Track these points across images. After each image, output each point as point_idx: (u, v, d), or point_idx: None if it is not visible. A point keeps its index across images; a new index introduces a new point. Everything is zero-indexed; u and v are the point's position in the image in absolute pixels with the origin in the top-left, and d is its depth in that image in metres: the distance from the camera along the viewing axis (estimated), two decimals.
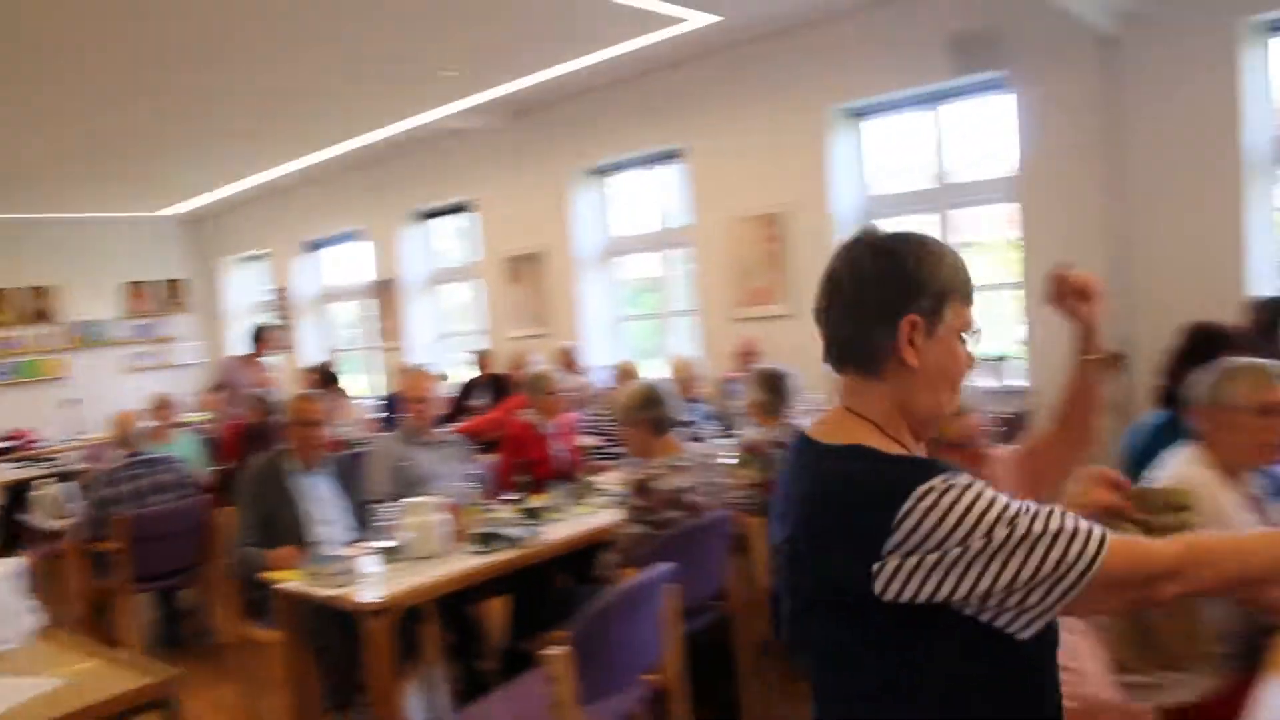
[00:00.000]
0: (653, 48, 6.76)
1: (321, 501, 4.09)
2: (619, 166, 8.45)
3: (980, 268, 6.90)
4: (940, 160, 6.67)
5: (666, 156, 7.94)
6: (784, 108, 6.93)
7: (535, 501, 4.21)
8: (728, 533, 3.65)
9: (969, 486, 1.26)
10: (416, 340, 10.38)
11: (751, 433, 4.28)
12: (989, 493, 1.26)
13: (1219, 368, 2.50)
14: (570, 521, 4.09)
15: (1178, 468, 2.40)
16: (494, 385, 7.70)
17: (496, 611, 4.42)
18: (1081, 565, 1.25)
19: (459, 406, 7.70)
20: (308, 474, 4.10)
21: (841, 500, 1.33)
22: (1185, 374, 2.71)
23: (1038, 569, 1.25)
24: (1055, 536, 1.25)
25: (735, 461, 4.10)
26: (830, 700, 1.45)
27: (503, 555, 3.62)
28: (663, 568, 2.94)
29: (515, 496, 4.23)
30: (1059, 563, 1.25)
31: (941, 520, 1.24)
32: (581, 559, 4.01)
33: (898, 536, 1.25)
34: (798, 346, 6.62)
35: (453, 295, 10.55)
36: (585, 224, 8.60)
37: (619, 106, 7.90)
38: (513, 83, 7.47)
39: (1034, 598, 1.26)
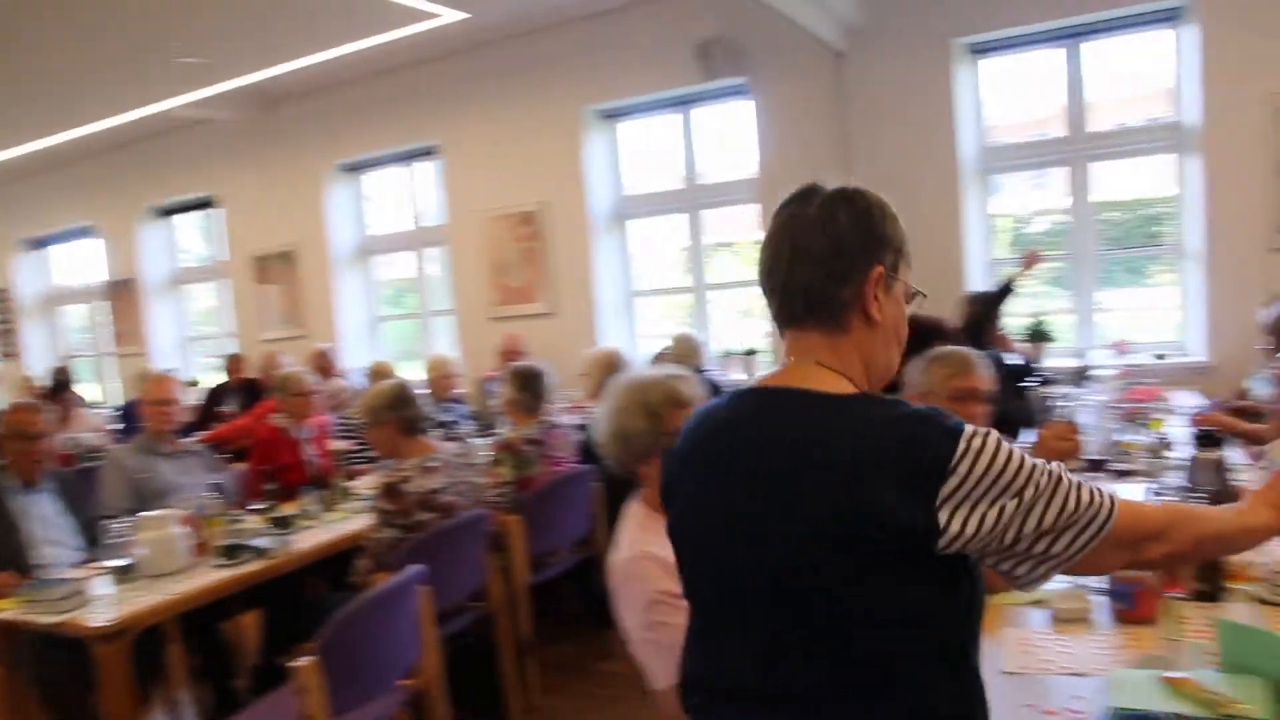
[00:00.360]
0: (406, 43, 6.65)
1: (45, 520, 3.78)
2: (374, 163, 8.26)
3: (730, 267, 7.25)
4: (691, 162, 6.94)
5: (423, 153, 7.85)
6: (539, 107, 7.01)
7: (285, 509, 4.07)
8: (484, 532, 3.67)
9: (996, 435, 1.30)
10: (159, 344, 9.75)
11: (507, 431, 4.31)
12: (1009, 442, 1.32)
13: (927, 356, 2.75)
14: (323, 529, 3.98)
15: None
16: (246, 391, 7.36)
17: (250, 627, 4.25)
18: (1103, 516, 1.31)
19: (207, 414, 7.31)
20: (28, 491, 3.79)
21: (890, 446, 1.27)
22: (904, 363, 2.96)
23: (1071, 514, 1.29)
24: (1079, 487, 1.32)
25: (490, 460, 4.12)
26: (844, 650, 1.32)
27: (250, 567, 3.48)
28: (415, 570, 2.92)
29: (263, 505, 4.08)
30: (1085, 510, 1.30)
31: (991, 464, 1.26)
32: (337, 567, 3.91)
33: (954, 481, 1.25)
34: (557, 344, 6.79)
35: (198, 297, 9.98)
36: (340, 222, 8.36)
37: (373, 101, 7.73)
38: (260, 72, 7.14)
39: (1060, 544, 1.30)
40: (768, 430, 1.38)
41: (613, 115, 7.09)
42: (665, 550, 1.98)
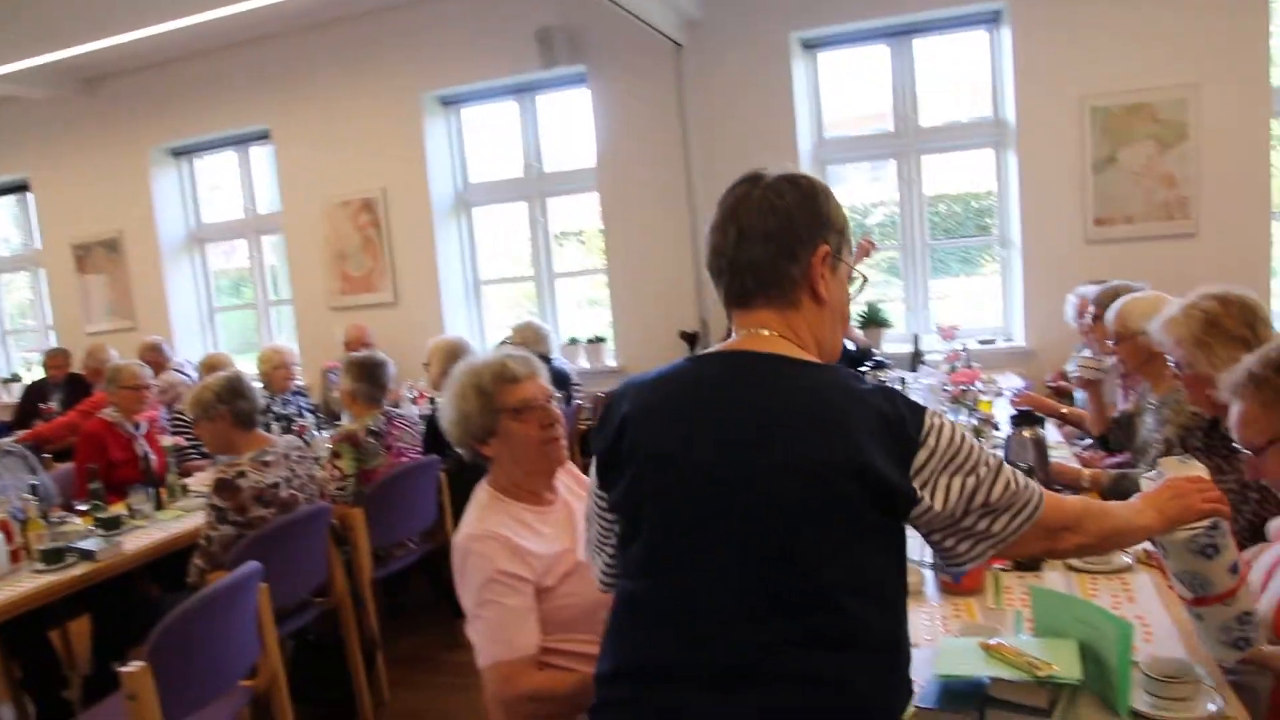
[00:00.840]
0: (236, 20, 6.35)
1: None
2: (205, 147, 7.90)
3: (577, 255, 7.27)
4: (533, 150, 6.92)
5: (257, 137, 7.56)
6: (377, 91, 6.86)
7: (114, 509, 3.88)
8: (325, 526, 3.59)
9: (947, 417, 1.40)
10: None
11: (347, 422, 4.22)
12: None
13: None
14: (155, 528, 3.83)
15: None
16: (69, 387, 6.94)
17: (83, 634, 4.03)
18: (1035, 501, 1.43)
19: (27, 411, 6.88)
20: None
21: (873, 414, 1.33)
22: None
23: (1012, 495, 1.40)
24: (1014, 473, 1.43)
25: (330, 452, 4.03)
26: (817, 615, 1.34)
27: (75, 571, 3.31)
28: (252, 567, 2.84)
29: (89, 505, 3.87)
30: (1022, 493, 1.42)
31: (951, 441, 1.36)
32: (173, 567, 3.75)
33: (924, 454, 1.34)
34: (401, 334, 6.68)
35: (15, 288, 9.35)
36: (168, 208, 7.97)
37: (201, 82, 7.41)
38: (79, 48, 6.69)
39: (1000, 523, 1.41)
40: (748, 390, 1.40)
41: (454, 101, 6.99)
42: (510, 531, 2.00)
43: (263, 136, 7.46)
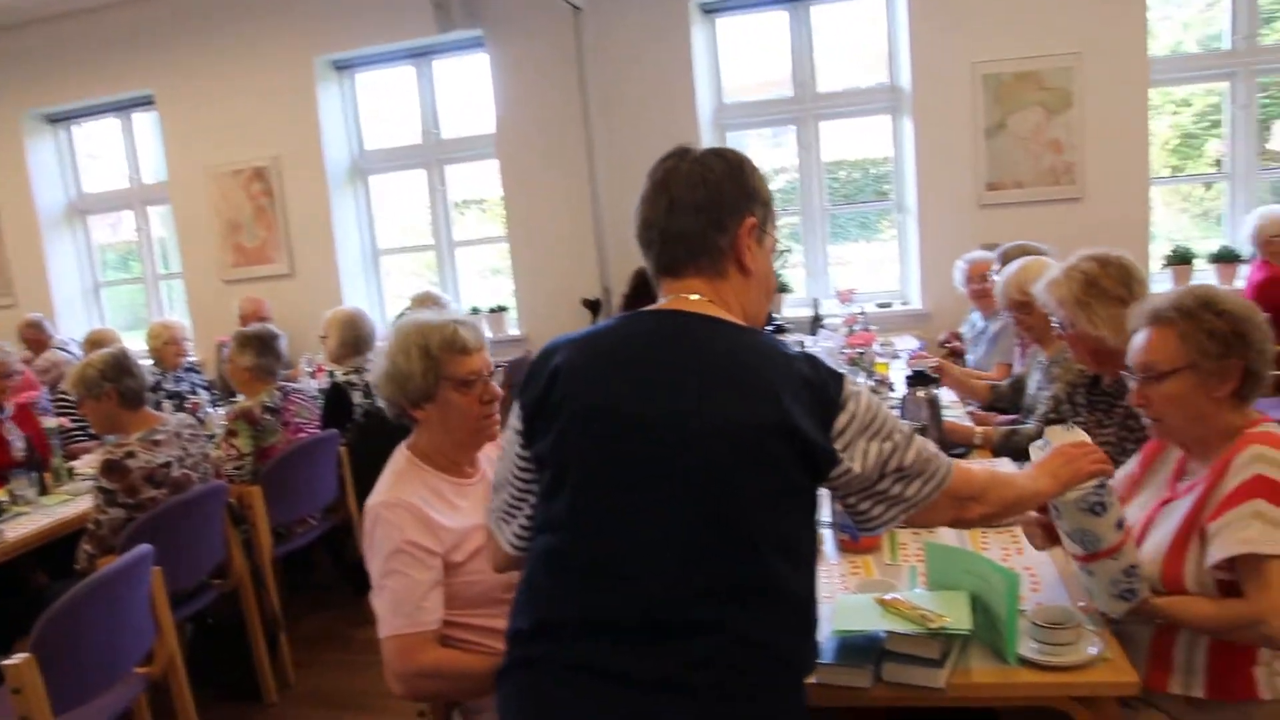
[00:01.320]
0: None
1: None
2: (85, 113, 7.53)
3: (478, 224, 7.18)
4: (430, 116, 6.79)
5: (140, 103, 7.23)
6: (266, 55, 6.63)
7: None
8: (221, 505, 3.49)
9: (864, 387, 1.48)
10: None
11: (242, 399, 4.10)
12: None
13: None
14: (40, 514, 3.68)
15: None
16: None
17: None
18: (944, 468, 1.51)
19: None
20: None
21: (797, 375, 1.39)
22: None
23: (925, 461, 1.47)
24: (925, 441, 1.50)
25: (226, 430, 3.92)
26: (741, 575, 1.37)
27: None
28: (143, 550, 2.75)
29: None
30: (933, 460, 1.49)
31: (868, 406, 1.43)
32: (62, 554, 3.61)
33: (844, 417, 1.40)
34: (298, 306, 6.52)
35: None
36: (45, 178, 7.57)
37: (79, 43, 7.03)
38: None
39: (912, 488, 1.47)
40: (680, 348, 1.44)
41: (347, 66, 6.81)
42: (422, 501, 1.97)
43: (146, 102, 7.14)
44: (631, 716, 1.32)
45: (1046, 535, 1.96)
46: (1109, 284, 2.43)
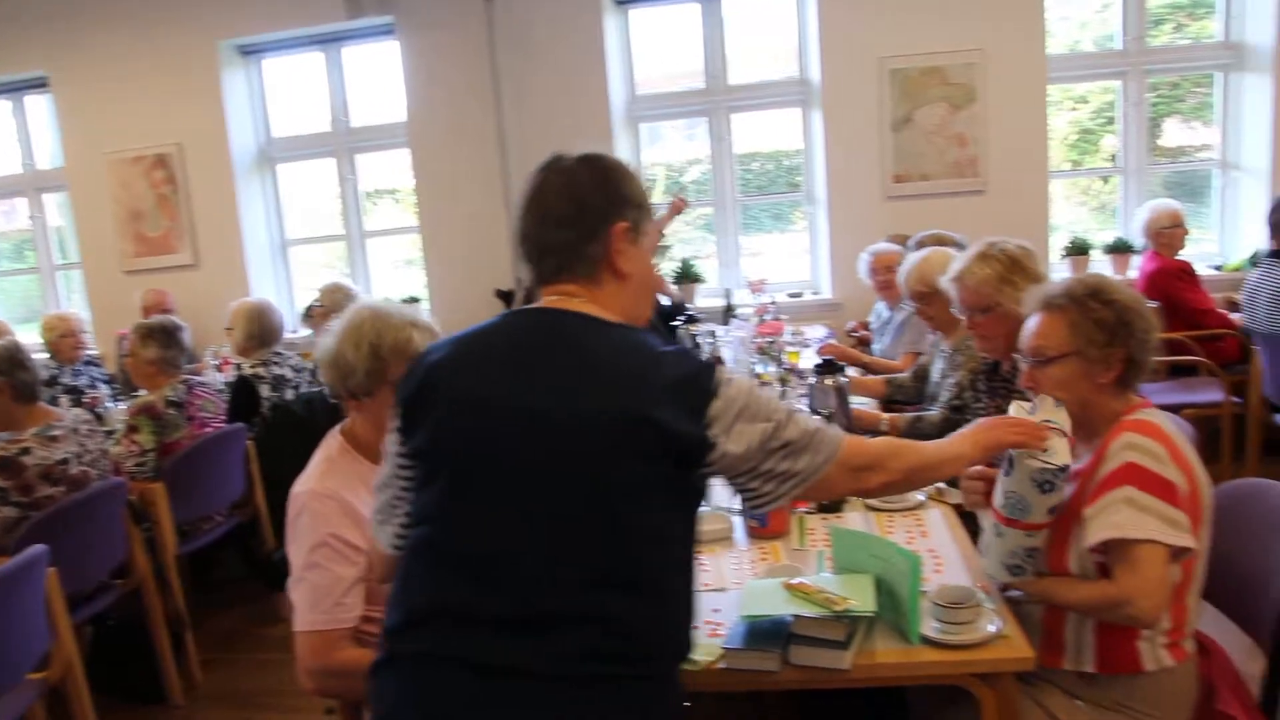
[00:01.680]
0: None
1: None
2: None
3: (390, 214, 7.08)
4: (340, 104, 6.67)
5: (34, 85, 6.93)
6: (168, 38, 6.40)
7: None
8: (122, 503, 3.39)
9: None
10: None
11: (144, 394, 3.98)
12: None
13: None
14: None
15: None
16: None
17: None
18: (833, 440, 1.53)
19: None
20: None
21: (665, 368, 1.42)
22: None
23: (810, 435, 1.49)
24: (813, 418, 1.54)
25: (127, 426, 3.80)
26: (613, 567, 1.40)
27: None
28: (37, 550, 2.65)
29: None
30: (819, 433, 1.51)
31: (743, 391, 1.46)
32: None
33: (719, 403, 1.42)
34: (203, 298, 6.35)
35: None
36: None
37: None
38: None
39: (802, 462, 1.49)
40: (555, 344, 1.48)
41: (254, 51, 6.63)
42: (352, 494, 1.93)
43: (40, 84, 6.85)
44: (503, 708, 1.34)
45: (986, 497, 1.98)
46: (1030, 265, 2.59)
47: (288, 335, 5.51)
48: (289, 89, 6.84)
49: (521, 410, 1.42)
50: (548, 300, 1.55)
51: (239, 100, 6.60)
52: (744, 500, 1.54)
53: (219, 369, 5.40)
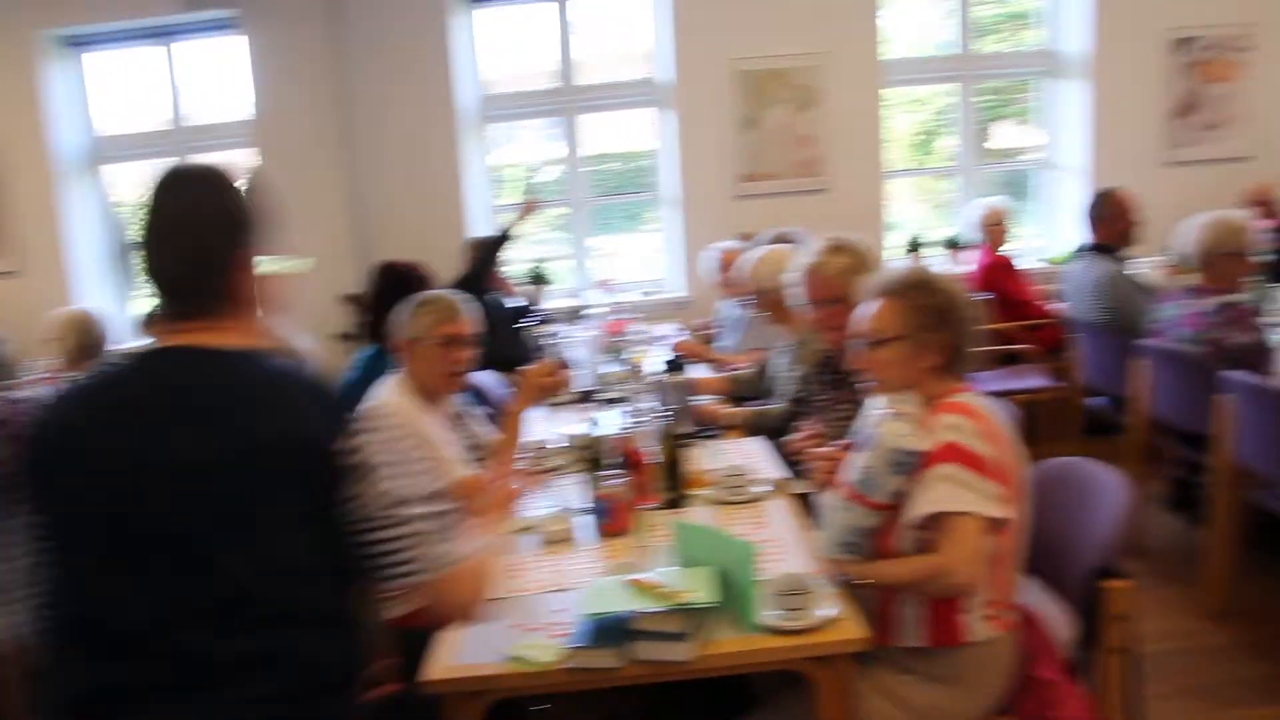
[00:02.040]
0: None
1: None
2: None
3: None
4: (176, 101, 6.38)
5: None
6: None
7: None
8: None
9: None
10: None
11: None
12: None
13: (413, 302, 2.77)
14: None
15: (383, 396, 2.63)
16: None
17: None
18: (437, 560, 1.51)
19: None
20: None
21: (309, 397, 1.43)
22: (383, 310, 2.96)
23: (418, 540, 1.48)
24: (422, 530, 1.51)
25: None
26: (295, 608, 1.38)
27: None
28: None
29: None
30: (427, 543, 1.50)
31: (379, 442, 1.46)
32: None
33: (352, 440, 1.42)
34: (24, 307, 5.96)
35: None
36: None
37: None
38: None
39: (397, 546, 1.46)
40: (194, 383, 1.40)
41: (78, 44, 6.27)
42: None
43: None
44: None
45: (831, 476, 2.09)
46: (873, 259, 2.77)
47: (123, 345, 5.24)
48: (122, 85, 6.49)
49: (153, 461, 1.33)
50: (182, 338, 1.43)
51: (63, 96, 6.23)
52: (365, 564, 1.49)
53: (43, 383, 5.09)
